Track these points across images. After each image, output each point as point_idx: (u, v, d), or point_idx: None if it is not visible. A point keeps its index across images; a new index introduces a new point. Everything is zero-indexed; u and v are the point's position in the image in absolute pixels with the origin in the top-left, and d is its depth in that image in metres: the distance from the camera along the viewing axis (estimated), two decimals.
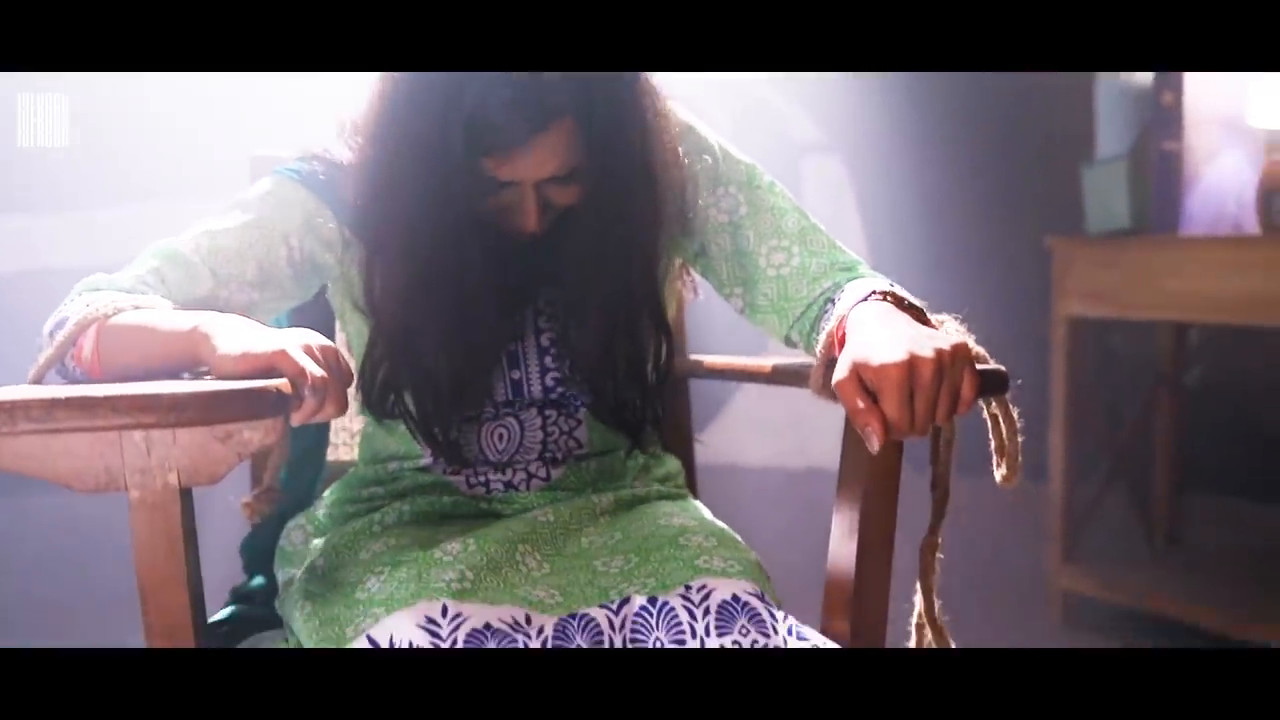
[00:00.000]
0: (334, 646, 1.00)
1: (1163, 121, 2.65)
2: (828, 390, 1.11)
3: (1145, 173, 2.70)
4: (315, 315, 1.34)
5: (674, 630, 0.98)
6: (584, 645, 0.97)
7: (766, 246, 1.23)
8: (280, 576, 1.27)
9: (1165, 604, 2.81)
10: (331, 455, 1.57)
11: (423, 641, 0.93)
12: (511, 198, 1.15)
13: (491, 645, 0.93)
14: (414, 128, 1.09)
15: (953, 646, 1.24)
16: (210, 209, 1.21)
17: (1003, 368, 1.08)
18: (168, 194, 2.81)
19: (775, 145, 3.36)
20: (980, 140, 3.44)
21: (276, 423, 1.02)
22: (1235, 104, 2.69)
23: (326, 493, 1.32)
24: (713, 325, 1.81)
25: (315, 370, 0.99)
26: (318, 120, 1.27)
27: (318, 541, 1.25)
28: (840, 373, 0.99)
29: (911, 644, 1.25)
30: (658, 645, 0.98)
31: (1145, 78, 2.72)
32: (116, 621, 1.65)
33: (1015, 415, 1.13)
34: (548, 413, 1.25)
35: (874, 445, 0.97)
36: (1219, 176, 2.66)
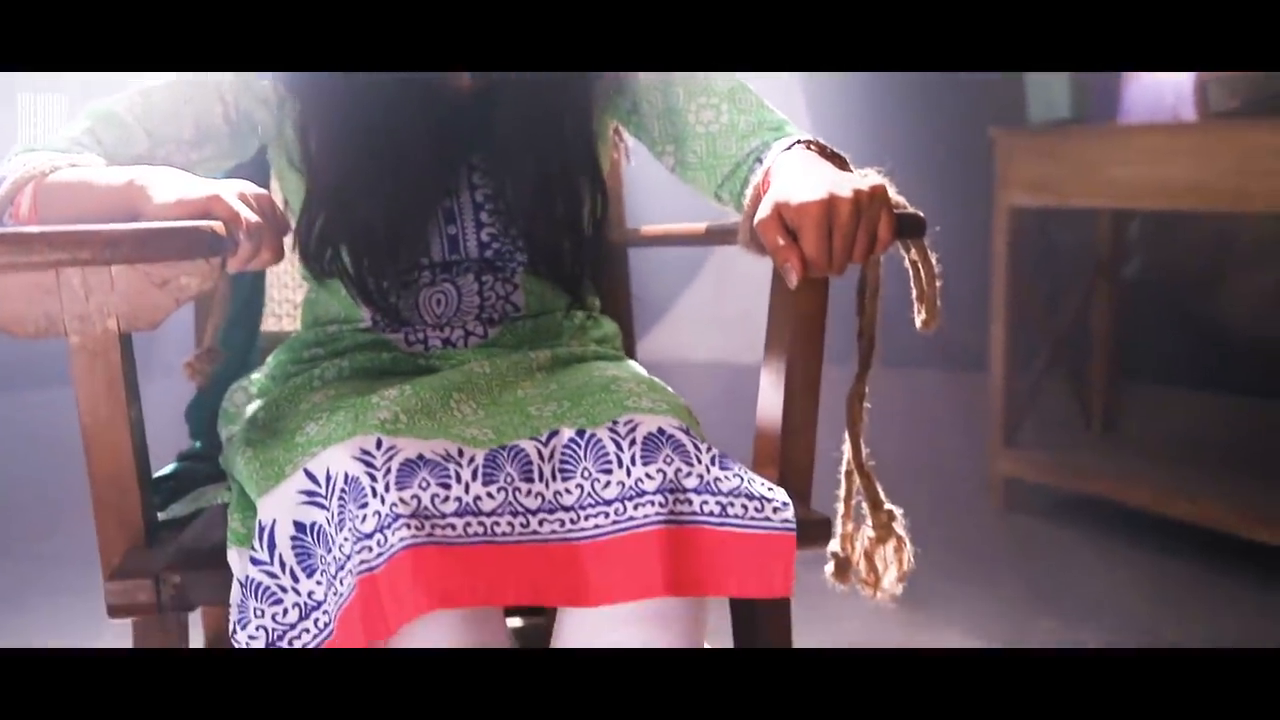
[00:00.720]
0: (273, 485, 1.03)
1: None
2: (755, 243, 1.15)
3: None
4: (253, 177, 1.35)
5: (601, 460, 1.01)
6: (514, 474, 1.00)
7: (696, 104, 1.25)
8: (223, 435, 1.29)
9: (1102, 486, 2.89)
10: (275, 326, 1.59)
11: (357, 472, 0.96)
12: None
13: (424, 474, 0.97)
14: None
15: (882, 497, 1.28)
16: None
17: (920, 212, 1.12)
18: None
19: None
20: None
21: (213, 267, 1.04)
22: None
23: (269, 358, 1.34)
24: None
25: (250, 215, 1.01)
26: None
27: (260, 401, 1.27)
28: (762, 212, 1.02)
29: (841, 492, 1.30)
30: (585, 475, 1.01)
31: None
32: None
33: (934, 261, 1.16)
34: (485, 278, 1.28)
35: (792, 281, 1.01)
36: None
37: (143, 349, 1.15)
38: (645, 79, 1.27)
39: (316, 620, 1.01)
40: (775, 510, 1.02)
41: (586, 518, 1.00)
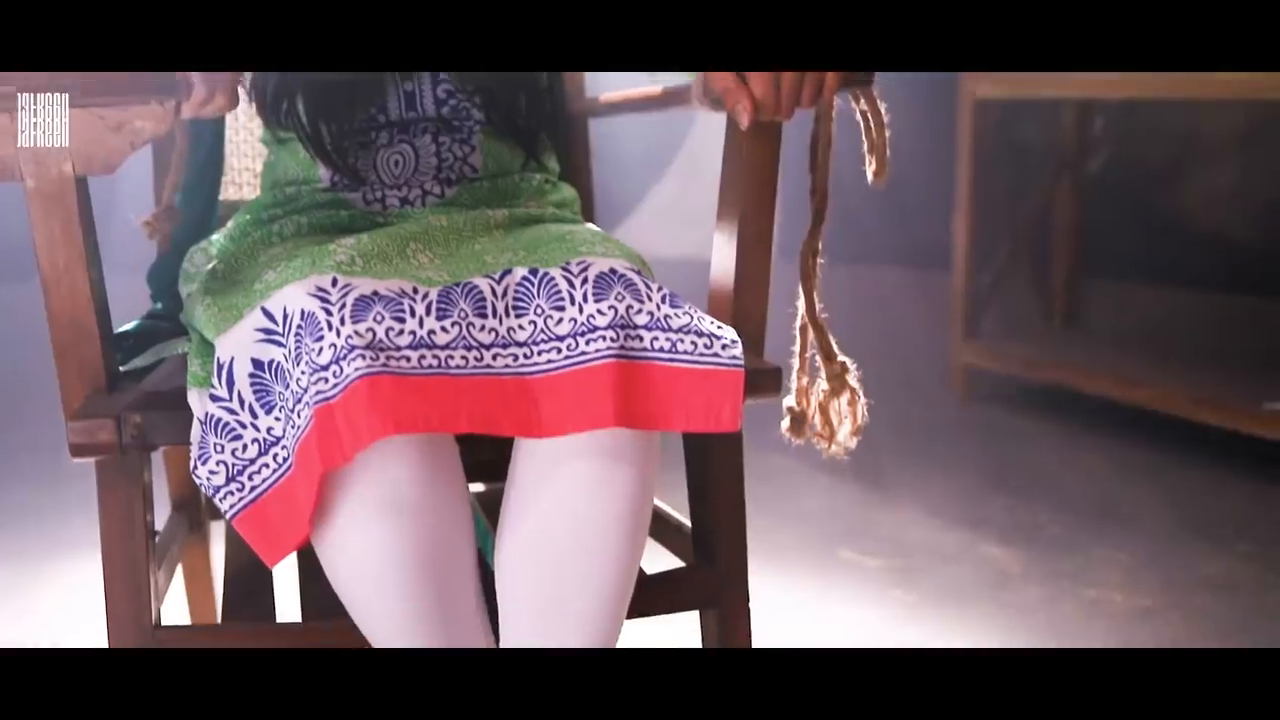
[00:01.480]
0: (231, 325, 1.05)
1: None
2: (708, 96, 1.16)
3: None
4: None
5: (554, 298, 1.03)
6: (467, 310, 1.02)
7: None
8: (183, 293, 1.30)
9: (1061, 375, 2.94)
10: (236, 195, 1.60)
11: (313, 308, 0.98)
12: None
13: (379, 309, 0.98)
14: None
15: (835, 349, 1.30)
16: None
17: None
18: None
19: None
20: None
21: (167, 110, 1.05)
22: None
23: (229, 222, 1.35)
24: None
25: None
26: None
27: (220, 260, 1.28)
28: None
29: (795, 346, 1.32)
30: (538, 312, 1.03)
31: None
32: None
33: (883, 111, 1.18)
34: (442, 138, 1.29)
35: (744, 122, 1.03)
36: None
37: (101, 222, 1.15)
38: None
39: (275, 455, 1.03)
40: (724, 347, 1.04)
41: (539, 353, 1.02)
